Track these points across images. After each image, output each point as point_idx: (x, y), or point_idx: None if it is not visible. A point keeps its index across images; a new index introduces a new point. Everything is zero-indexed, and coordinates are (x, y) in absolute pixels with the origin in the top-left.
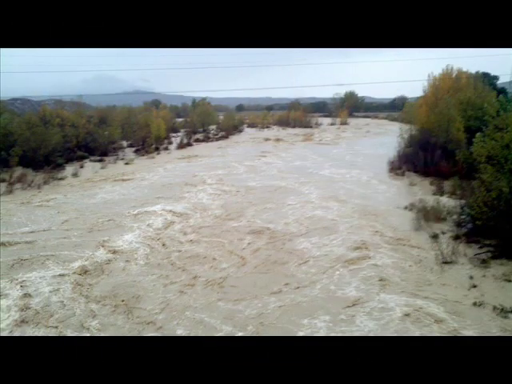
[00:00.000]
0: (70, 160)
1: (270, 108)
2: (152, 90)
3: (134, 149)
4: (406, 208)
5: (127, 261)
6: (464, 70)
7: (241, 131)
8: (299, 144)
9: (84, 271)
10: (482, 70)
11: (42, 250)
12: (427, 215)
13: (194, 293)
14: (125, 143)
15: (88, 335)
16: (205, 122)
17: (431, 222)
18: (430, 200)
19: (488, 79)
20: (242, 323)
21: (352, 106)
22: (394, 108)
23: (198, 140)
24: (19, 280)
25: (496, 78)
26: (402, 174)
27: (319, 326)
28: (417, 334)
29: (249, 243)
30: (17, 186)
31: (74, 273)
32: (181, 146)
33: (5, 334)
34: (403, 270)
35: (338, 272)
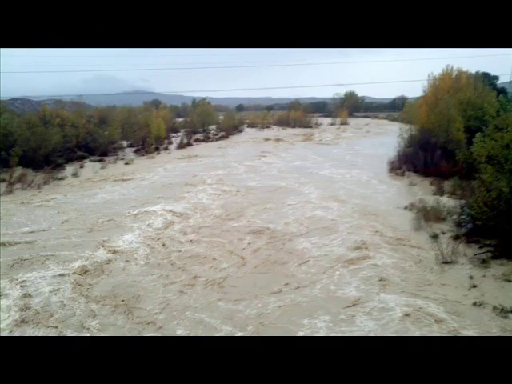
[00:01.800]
0: (70, 160)
1: (270, 108)
2: (152, 90)
3: (134, 149)
4: (405, 208)
5: (127, 261)
6: (464, 70)
7: (241, 131)
8: (299, 144)
9: (84, 271)
10: (482, 70)
11: (42, 250)
12: (427, 215)
13: (194, 293)
14: (125, 143)
15: (88, 335)
16: (205, 122)
17: (431, 222)
18: (430, 200)
19: (488, 79)
20: (242, 323)
21: (352, 106)
22: (394, 108)
23: (197, 140)
24: (19, 280)
25: (496, 77)
26: (402, 174)
27: (319, 326)
28: (417, 334)
29: (249, 243)
30: (17, 185)
31: (74, 273)
32: (181, 146)
33: (5, 334)
34: (403, 270)
35: (338, 272)
